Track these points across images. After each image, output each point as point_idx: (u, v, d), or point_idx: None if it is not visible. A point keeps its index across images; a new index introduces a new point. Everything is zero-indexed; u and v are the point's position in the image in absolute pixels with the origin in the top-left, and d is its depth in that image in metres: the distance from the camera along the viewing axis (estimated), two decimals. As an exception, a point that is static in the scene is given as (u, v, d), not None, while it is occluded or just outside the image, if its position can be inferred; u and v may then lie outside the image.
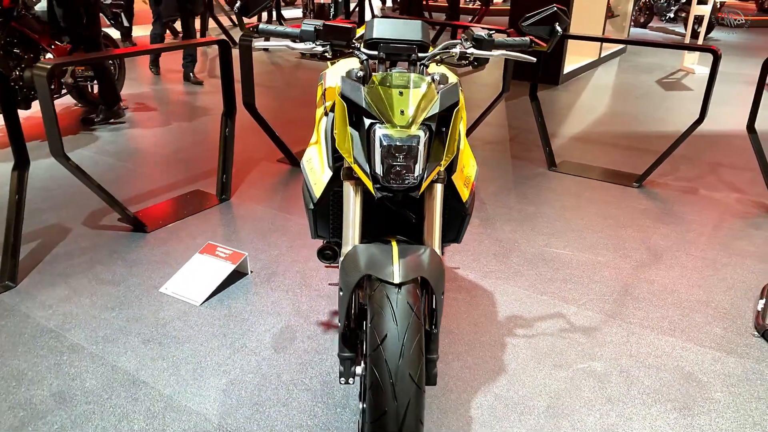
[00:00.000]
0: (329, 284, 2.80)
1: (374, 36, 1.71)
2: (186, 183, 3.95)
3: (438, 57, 1.75)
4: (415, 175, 1.58)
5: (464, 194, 1.83)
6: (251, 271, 2.89)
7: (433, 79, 1.66)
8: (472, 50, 1.75)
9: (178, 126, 5.18)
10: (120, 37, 8.18)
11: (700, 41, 8.13)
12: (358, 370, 1.69)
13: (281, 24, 9.16)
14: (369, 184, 1.59)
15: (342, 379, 1.70)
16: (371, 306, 1.51)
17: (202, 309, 2.59)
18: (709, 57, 8.51)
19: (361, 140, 1.61)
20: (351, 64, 2.10)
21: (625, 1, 9.28)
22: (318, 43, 1.71)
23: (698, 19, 8.38)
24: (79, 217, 3.43)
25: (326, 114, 1.86)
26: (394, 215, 1.89)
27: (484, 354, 2.35)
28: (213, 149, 4.60)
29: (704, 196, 3.97)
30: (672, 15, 11.49)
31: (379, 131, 1.56)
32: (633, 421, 2.04)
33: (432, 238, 1.72)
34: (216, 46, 4.33)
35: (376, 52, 1.71)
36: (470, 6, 12.86)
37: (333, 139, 1.82)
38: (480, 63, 1.81)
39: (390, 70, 1.67)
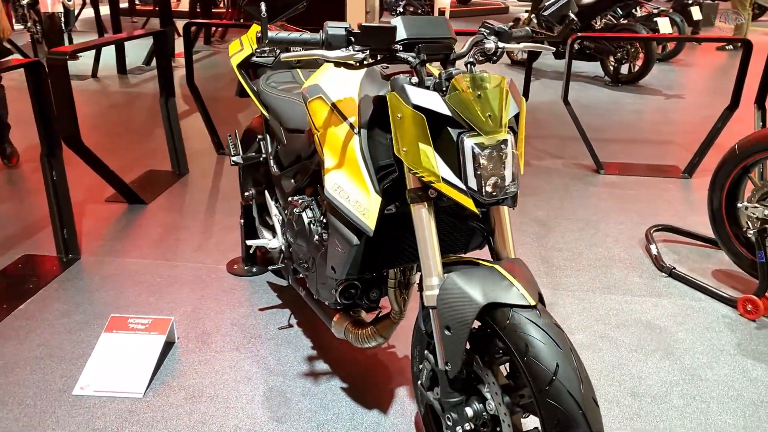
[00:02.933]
0: (279, 328, 2.43)
1: (407, 36, 1.50)
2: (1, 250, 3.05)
3: (475, 54, 1.61)
4: (510, 182, 1.44)
5: None
6: (178, 338, 2.36)
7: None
8: (501, 44, 1.64)
9: (-68, 180, 3.96)
10: None
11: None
12: (469, 411, 1.50)
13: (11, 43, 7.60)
14: (468, 202, 1.39)
15: (458, 428, 1.49)
16: (514, 337, 1.34)
17: (150, 400, 2.03)
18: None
19: (439, 154, 1.40)
20: (331, 71, 1.80)
21: (371, -2, 9.81)
22: (357, 49, 1.43)
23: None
24: None
25: (356, 132, 1.58)
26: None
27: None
28: (9, 201, 3.62)
29: (537, 166, 4.42)
30: (401, 9, 12.51)
31: (469, 141, 1.38)
32: (646, 379, 2.18)
33: (508, 249, 1.60)
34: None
35: (413, 54, 1.50)
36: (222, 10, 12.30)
37: (373, 160, 1.56)
38: (499, 57, 1.71)
39: (447, 72, 1.48)
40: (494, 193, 1.42)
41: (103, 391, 2.05)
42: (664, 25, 6.84)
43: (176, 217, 3.44)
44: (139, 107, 5.93)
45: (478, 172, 1.39)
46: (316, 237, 1.91)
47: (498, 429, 1.50)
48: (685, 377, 2.19)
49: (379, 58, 1.50)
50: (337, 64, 1.47)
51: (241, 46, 2.46)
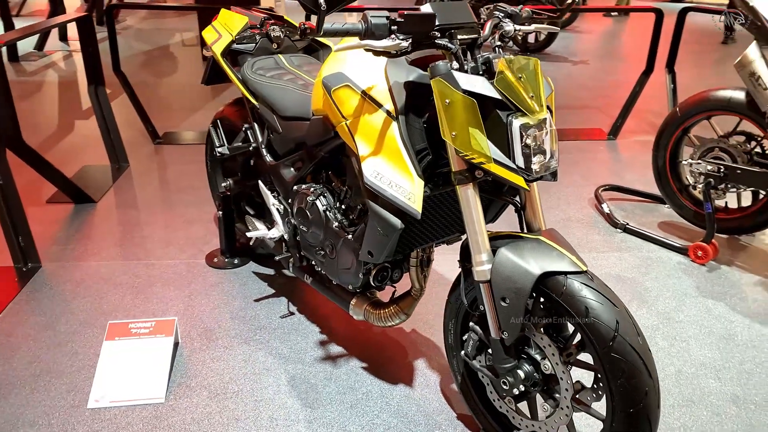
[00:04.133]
0: (281, 317, 2.43)
1: (440, 23, 1.55)
2: (-57, 265, 2.78)
3: (498, 39, 1.68)
4: (550, 158, 1.55)
5: None
6: (180, 338, 2.30)
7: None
8: (520, 27, 1.73)
9: None
10: None
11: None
12: (521, 374, 1.61)
13: None
14: (519, 180, 1.49)
15: (515, 390, 1.60)
16: (573, 301, 1.46)
17: (174, 404, 1.98)
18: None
19: (487, 135, 1.48)
20: (351, 59, 1.79)
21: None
22: (402, 38, 1.46)
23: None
24: None
25: (395, 118, 1.60)
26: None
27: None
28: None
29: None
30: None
31: (516, 122, 1.47)
32: (631, 326, 2.41)
33: (539, 221, 1.72)
34: None
35: (447, 40, 1.55)
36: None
37: (413, 144, 1.61)
38: (510, 40, 1.80)
39: (483, 57, 1.55)
40: (538, 170, 1.52)
41: (121, 400, 1.98)
42: (567, -5, 7.22)
43: (133, 214, 3.28)
44: (48, 98, 5.49)
45: (526, 151, 1.48)
46: (336, 224, 1.93)
47: (545, 387, 1.63)
48: (662, 321, 2.44)
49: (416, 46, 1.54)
50: (377, 53, 1.49)
51: (218, 34, 2.38)
